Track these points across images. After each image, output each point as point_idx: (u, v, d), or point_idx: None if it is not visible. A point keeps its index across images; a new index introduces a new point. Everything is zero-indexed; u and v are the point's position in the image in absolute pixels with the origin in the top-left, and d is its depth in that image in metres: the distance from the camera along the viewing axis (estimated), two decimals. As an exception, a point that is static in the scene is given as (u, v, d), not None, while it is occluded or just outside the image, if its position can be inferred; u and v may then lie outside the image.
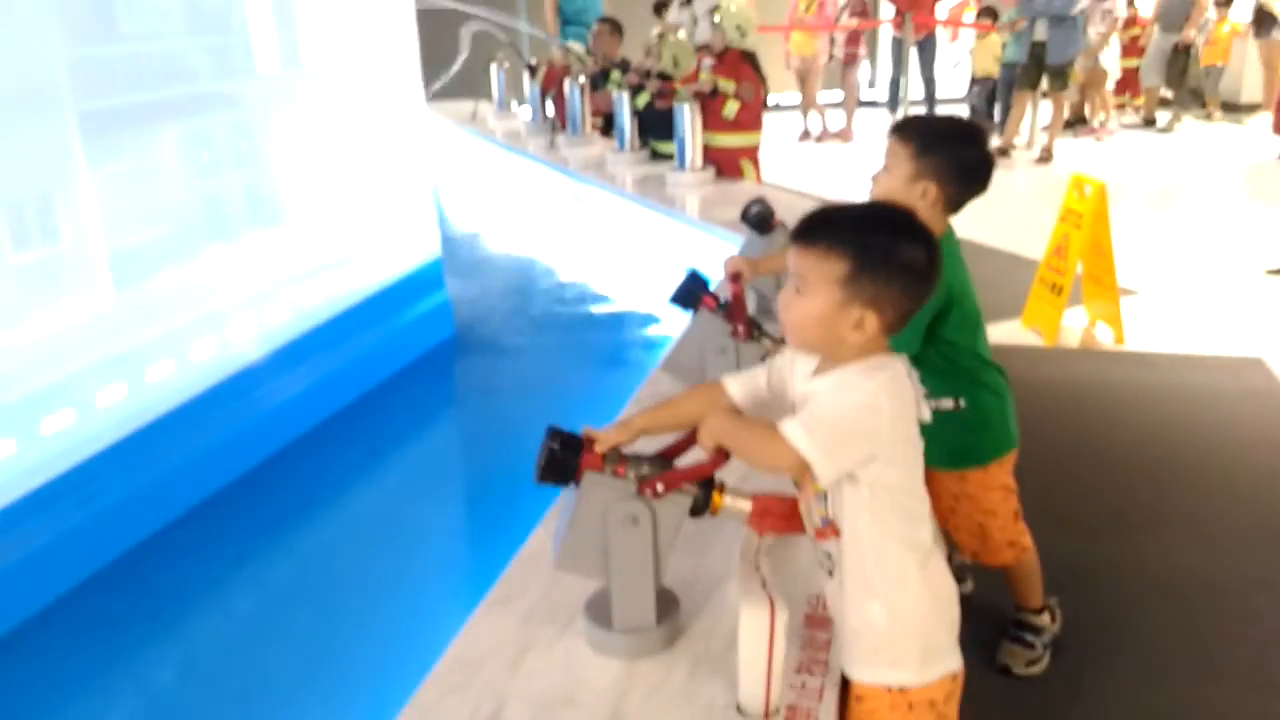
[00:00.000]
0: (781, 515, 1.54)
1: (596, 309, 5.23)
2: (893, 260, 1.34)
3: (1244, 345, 4.29)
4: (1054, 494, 3.19)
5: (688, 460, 1.57)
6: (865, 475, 1.36)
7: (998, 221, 6.46)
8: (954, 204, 2.06)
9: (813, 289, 1.35)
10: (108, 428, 2.93)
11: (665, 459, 1.61)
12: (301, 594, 2.88)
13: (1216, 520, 3.02)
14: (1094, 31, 8.96)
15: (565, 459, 1.55)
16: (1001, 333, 4.52)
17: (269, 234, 3.67)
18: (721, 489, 1.56)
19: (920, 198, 2.00)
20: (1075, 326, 4.49)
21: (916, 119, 2.21)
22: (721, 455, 1.49)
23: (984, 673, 2.37)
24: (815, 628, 1.71)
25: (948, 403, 2.11)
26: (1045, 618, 2.40)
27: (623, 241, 5.59)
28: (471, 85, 8.87)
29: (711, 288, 2.44)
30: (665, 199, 5.39)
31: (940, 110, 10.99)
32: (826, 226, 1.38)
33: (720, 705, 1.56)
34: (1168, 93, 10.23)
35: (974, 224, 6.21)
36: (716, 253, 3.37)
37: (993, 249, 5.84)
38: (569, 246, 6.29)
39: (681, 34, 6.33)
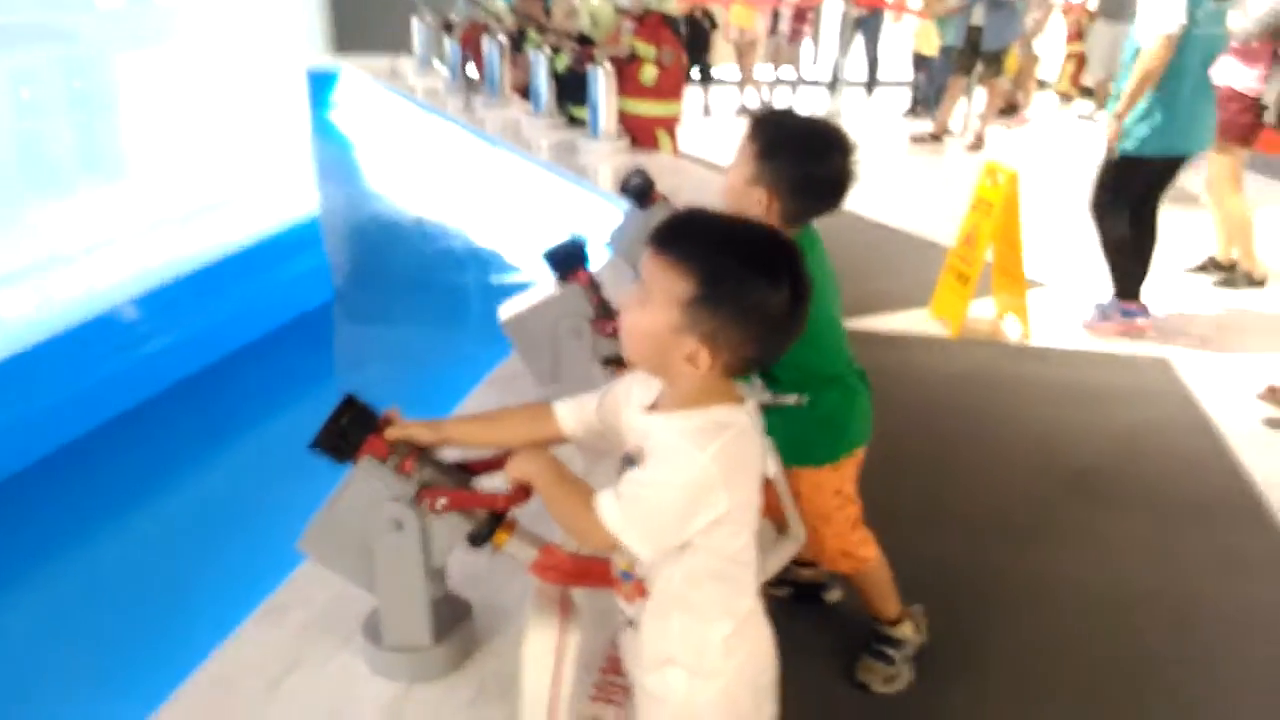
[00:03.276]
0: (570, 574, 1.36)
1: (494, 278, 4.99)
2: (743, 298, 1.14)
3: (1151, 345, 4.19)
4: (938, 491, 3.06)
5: (492, 484, 1.37)
6: (691, 539, 1.20)
7: (921, 208, 6.34)
8: (792, 218, 1.84)
9: (653, 302, 1.17)
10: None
11: (467, 471, 1.40)
12: (122, 580, 2.62)
13: (1107, 527, 2.90)
14: (1030, 19, 8.86)
15: (347, 433, 1.35)
16: (907, 321, 4.39)
17: (105, 182, 3.35)
18: (511, 527, 1.36)
19: (755, 204, 1.81)
20: (984, 318, 4.36)
21: (775, 115, 1.98)
22: (522, 493, 1.32)
23: (843, 686, 2.23)
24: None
25: (790, 399, 1.94)
26: (906, 629, 2.25)
27: (532, 207, 5.35)
28: (392, 40, 8.53)
29: (589, 264, 2.21)
30: (576, 167, 5.18)
31: (880, 91, 10.91)
32: (684, 236, 1.18)
33: (498, 739, 1.37)
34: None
35: (895, 209, 6.15)
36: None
37: (910, 235, 5.73)
38: (476, 211, 6.04)
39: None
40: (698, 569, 1.21)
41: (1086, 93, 10.24)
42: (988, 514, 2.95)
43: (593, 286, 2.20)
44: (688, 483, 1.15)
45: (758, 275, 1.15)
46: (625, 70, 5.29)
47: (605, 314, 2.16)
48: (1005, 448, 3.34)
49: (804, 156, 1.81)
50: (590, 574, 1.36)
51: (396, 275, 5.00)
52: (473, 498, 1.36)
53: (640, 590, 1.26)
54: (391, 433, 1.38)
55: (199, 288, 3.65)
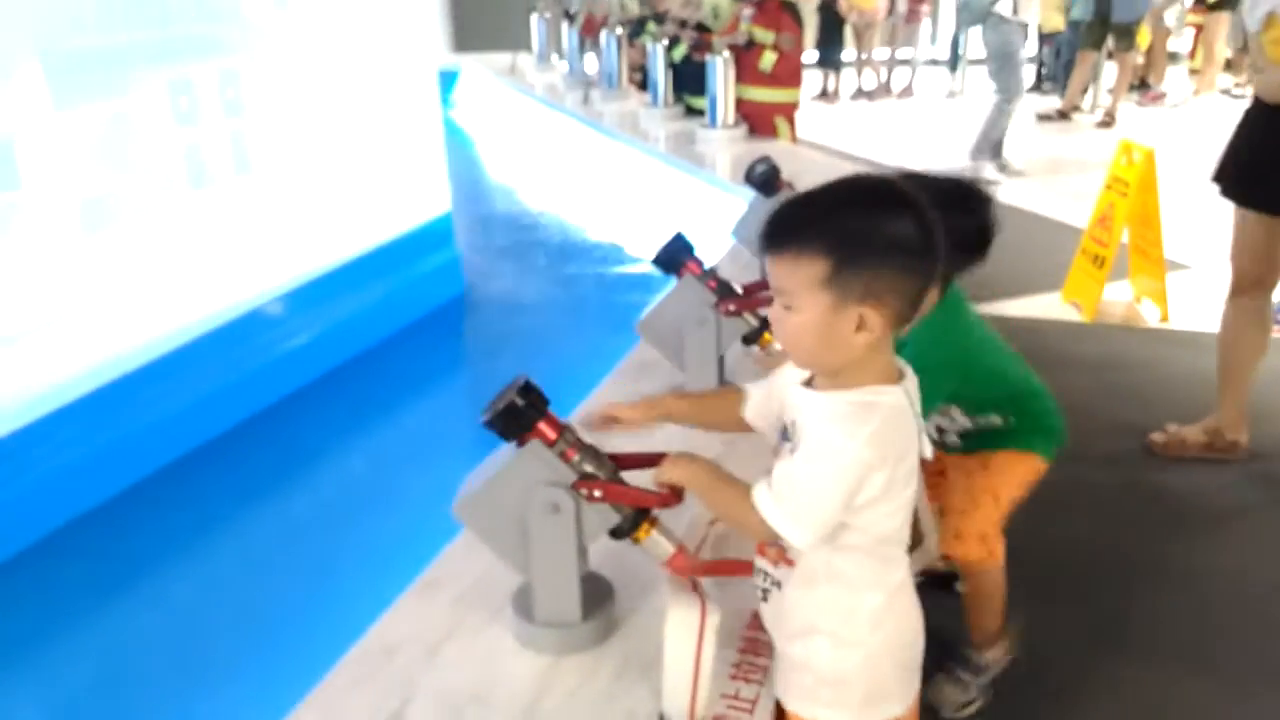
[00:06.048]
0: (701, 571, 1.41)
1: (616, 269, 5.07)
2: (876, 242, 1.14)
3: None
4: (1073, 479, 2.98)
5: (635, 477, 1.43)
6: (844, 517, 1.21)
7: (1050, 189, 6.17)
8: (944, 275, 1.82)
9: (797, 300, 1.17)
10: (77, 381, 2.86)
11: (615, 465, 1.46)
12: (280, 557, 2.78)
13: (1249, 516, 2.80)
14: (1164, -11, 8.48)
15: (523, 414, 1.40)
16: (1040, 306, 4.30)
17: (257, 184, 3.55)
18: (653, 523, 1.42)
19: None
20: (1120, 301, 4.22)
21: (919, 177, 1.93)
22: (672, 497, 1.37)
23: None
24: (760, 629, 1.56)
25: (995, 419, 1.98)
26: (995, 653, 2.13)
27: (652, 199, 5.41)
28: (513, 37, 8.72)
29: (696, 253, 2.27)
30: (694, 157, 5.22)
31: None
32: (791, 226, 1.18)
33: (642, 714, 1.42)
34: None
35: (1023, 190, 5.99)
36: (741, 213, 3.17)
37: (1041, 217, 5.58)
38: (597, 203, 6.13)
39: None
40: (850, 543, 1.23)
41: (1225, 66, 9.73)
42: (1122, 502, 2.88)
43: (707, 274, 2.25)
44: (841, 472, 1.16)
45: (874, 214, 1.16)
46: (743, 57, 5.30)
47: (725, 294, 2.22)
48: (1142, 434, 3.24)
49: (954, 212, 1.78)
50: (720, 569, 1.42)
51: (523, 268, 5.13)
52: (627, 494, 1.41)
53: (786, 559, 1.28)
54: (625, 416, 1.45)
55: (344, 283, 3.83)
